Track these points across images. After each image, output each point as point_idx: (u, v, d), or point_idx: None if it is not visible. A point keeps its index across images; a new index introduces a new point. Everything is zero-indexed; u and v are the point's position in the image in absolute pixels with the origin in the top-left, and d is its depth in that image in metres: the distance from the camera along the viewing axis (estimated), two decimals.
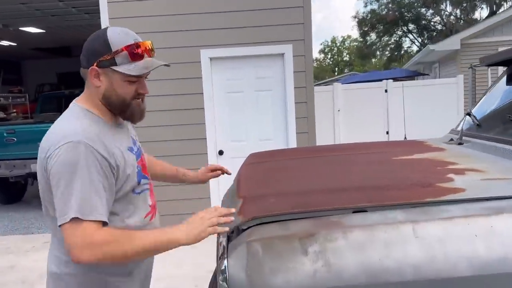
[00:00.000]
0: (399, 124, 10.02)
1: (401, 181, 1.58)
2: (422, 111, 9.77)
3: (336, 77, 25.73)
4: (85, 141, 1.30)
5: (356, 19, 28.11)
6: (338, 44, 44.00)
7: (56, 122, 1.41)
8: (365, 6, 36.74)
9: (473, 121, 2.45)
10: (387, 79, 10.85)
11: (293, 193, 1.57)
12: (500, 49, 10.02)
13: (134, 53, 1.37)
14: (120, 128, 1.50)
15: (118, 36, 1.37)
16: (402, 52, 29.65)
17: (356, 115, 10.06)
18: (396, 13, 25.55)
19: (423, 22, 25.98)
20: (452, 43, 10.46)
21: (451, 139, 2.44)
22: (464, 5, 23.42)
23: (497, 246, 1.23)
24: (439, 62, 12.55)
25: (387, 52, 30.90)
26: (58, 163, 1.28)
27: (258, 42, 4.90)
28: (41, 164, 1.35)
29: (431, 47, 11.05)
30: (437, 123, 9.41)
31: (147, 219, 1.52)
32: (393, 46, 29.27)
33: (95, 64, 1.37)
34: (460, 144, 2.26)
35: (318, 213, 1.38)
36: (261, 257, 1.24)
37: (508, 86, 2.56)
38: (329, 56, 45.09)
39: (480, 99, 2.77)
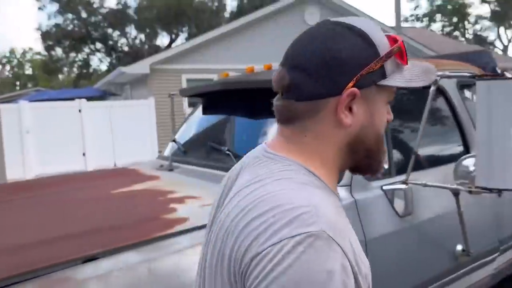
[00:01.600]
0: (96, 144, 9.89)
1: (130, 218, 1.55)
2: (119, 130, 9.97)
3: (19, 92, 23.09)
4: (333, 236, 0.65)
5: (40, 32, 25.97)
6: (19, 56, 39.63)
7: (261, 185, 0.73)
8: (49, 19, 34.47)
9: (178, 148, 2.67)
10: (80, 97, 10.56)
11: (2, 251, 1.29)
12: (183, 75, 11.37)
13: (403, 52, 0.82)
14: None
15: (375, 29, 0.81)
16: (92, 70, 29.39)
17: (49, 137, 9.32)
18: (83, 30, 25.12)
19: (111, 42, 26.54)
20: (142, 67, 11.13)
21: (162, 165, 2.58)
22: (148, 31, 25.37)
23: None
24: (130, 83, 13.13)
25: (75, 69, 29.96)
26: (288, 279, 0.61)
27: None
28: (231, 270, 0.69)
29: (122, 69, 11.42)
30: (134, 142, 9.84)
31: None
32: (81, 63, 28.61)
33: (351, 84, 0.77)
34: (170, 170, 2.41)
35: (42, 271, 1.19)
36: None
37: (203, 116, 2.94)
38: (8, 69, 39.98)
39: (180, 127, 3.06)
